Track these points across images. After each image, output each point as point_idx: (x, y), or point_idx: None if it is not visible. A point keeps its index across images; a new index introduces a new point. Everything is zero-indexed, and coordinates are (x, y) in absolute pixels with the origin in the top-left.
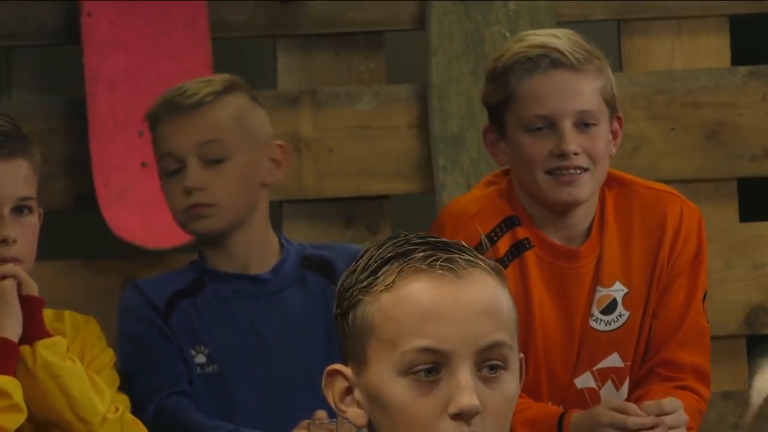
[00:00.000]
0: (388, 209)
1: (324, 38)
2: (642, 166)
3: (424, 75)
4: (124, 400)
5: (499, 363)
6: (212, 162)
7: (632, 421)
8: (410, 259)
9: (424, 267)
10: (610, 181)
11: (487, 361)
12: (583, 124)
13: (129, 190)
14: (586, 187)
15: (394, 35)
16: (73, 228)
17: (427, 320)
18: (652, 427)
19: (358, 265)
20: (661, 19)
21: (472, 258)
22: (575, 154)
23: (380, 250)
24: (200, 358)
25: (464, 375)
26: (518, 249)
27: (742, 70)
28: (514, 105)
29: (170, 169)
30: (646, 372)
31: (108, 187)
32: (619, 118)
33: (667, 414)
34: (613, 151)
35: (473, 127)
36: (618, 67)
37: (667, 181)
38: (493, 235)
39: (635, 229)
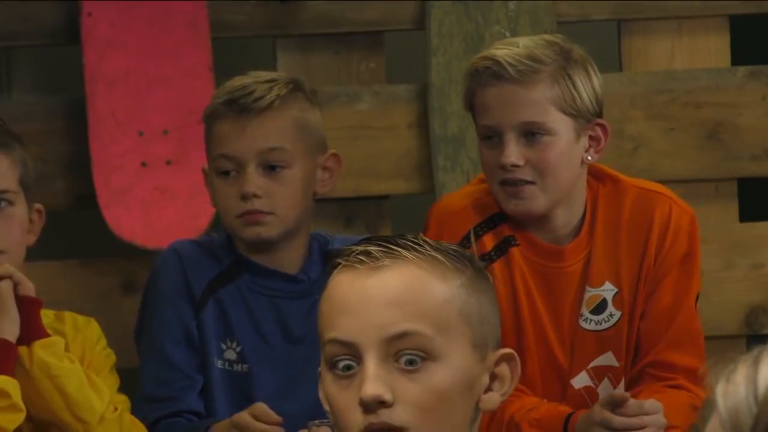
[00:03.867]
0: (388, 209)
1: (324, 38)
2: (642, 166)
3: (424, 75)
4: (124, 401)
5: (417, 354)
6: (272, 168)
7: (618, 421)
8: (345, 256)
9: (344, 261)
10: (604, 179)
11: (401, 352)
12: (531, 135)
13: (129, 190)
14: (535, 200)
15: (394, 35)
16: (73, 228)
17: (336, 313)
18: (639, 428)
19: None
20: (661, 19)
21: (397, 249)
22: (515, 166)
23: None
24: (230, 354)
25: (368, 365)
26: (504, 246)
27: (742, 70)
28: (474, 113)
29: (224, 169)
30: (638, 373)
31: (108, 187)
32: (601, 125)
33: (646, 415)
34: (591, 159)
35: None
36: (618, 67)
37: (666, 182)
38: (479, 230)
39: (624, 229)
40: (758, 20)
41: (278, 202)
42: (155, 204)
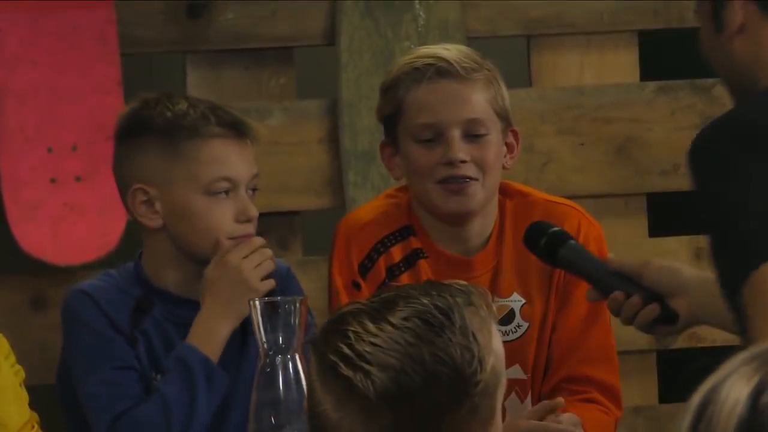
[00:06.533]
0: (298, 225)
1: (234, 54)
2: (551, 181)
3: (335, 90)
4: (34, 417)
5: None
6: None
7: (554, 428)
8: None
9: None
10: (512, 194)
11: None
12: (472, 134)
13: (38, 206)
14: (476, 197)
15: (304, 51)
16: None
17: None
18: None
19: None
20: (570, 34)
21: None
22: (463, 162)
23: None
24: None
25: None
26: (412, 258)
27: (651, 85)
28: (403, 116)
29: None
30: (551, 388)
31: (17, 202)
32: (514, 132)
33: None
34: (509, 165)
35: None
36: (528, 82)
37: (576, 197)
38: (386, 241)
39: None
40: (666, 35)
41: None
42: (64, 220)
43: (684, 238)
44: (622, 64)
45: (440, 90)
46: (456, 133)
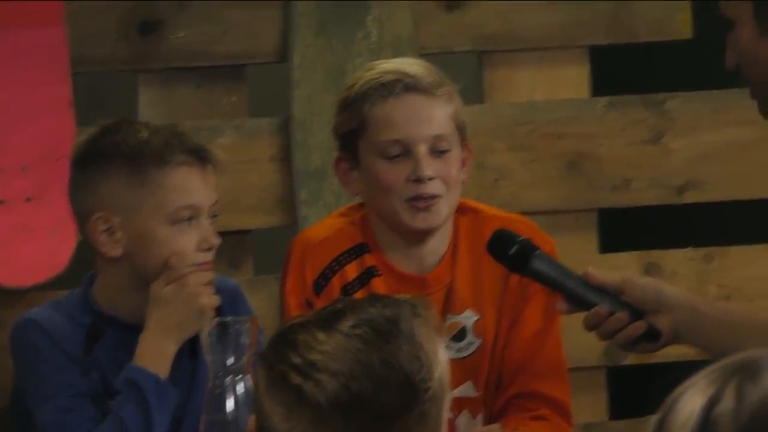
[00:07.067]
0: (250, 244)
1: (186, 72)
2: (504, 197)
3: (287, 108)
4: None
5: None
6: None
7: None
8: None
9: None
10: (465, 210)
11: None
12: (438, 150)
13: None
14: (441, 214)
15: (256, 68)
16: None
17: None
18: None
19: None
20: (522, 50)
21: None
22: (431, 179)
23: None
24: None
25: None
26: (366, 276)
27: (602, 100)
28: (368, 132)
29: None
30: (502, 405)
31: None
32: (467, 147)
33: None
34: (463, 180)
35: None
36: (480, 98)
37: (528, 213)
38: (341, 259)
39: (486, 257)
40: (617, 51)
41: None
42: (14, 241)
43: (634, 254)
44: (573, 80)
45: (408, 105)
46: (423, 150)
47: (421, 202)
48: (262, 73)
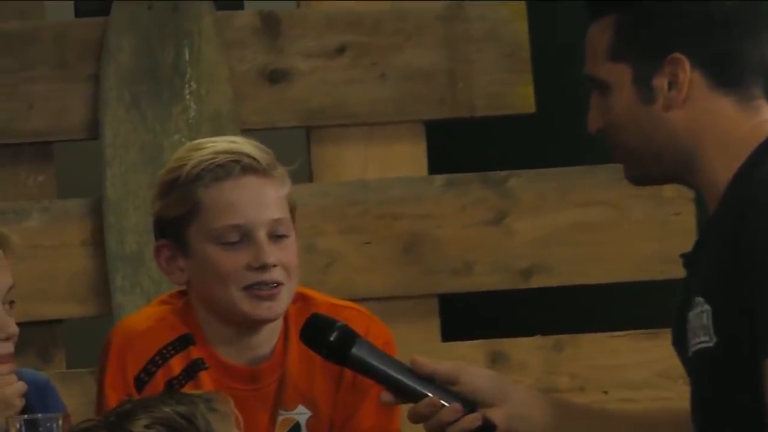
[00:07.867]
0: (60, 335)
1: None
2: (335, 283)
3: (99, 188)
4: None
5: None
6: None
7: None
8: None
9: None
10: (294, 298)
11: None
12: (276, 234)
13: None
14: (283, 302)
15: (64, 146)
16: None
17: None
18: None
19: None
20: (352, 125)
21: None
22: (274, 266)
23: None
24: None
25: None
26: (192, 370)
27: (440, 179)
28: (200, 217)
29: None
30: None
31: None
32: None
33: None
34: None
35: (152, 244)
36: (308, 177)
37: (362, 299)
38: (165, 352)
39: None
40: (454, 126)
41: None
42: None
43: (478, 342)
44: (408, 157)
45: (247, 188)
46: (262, 235)
47: (265, 290)
48: (71, 151)
